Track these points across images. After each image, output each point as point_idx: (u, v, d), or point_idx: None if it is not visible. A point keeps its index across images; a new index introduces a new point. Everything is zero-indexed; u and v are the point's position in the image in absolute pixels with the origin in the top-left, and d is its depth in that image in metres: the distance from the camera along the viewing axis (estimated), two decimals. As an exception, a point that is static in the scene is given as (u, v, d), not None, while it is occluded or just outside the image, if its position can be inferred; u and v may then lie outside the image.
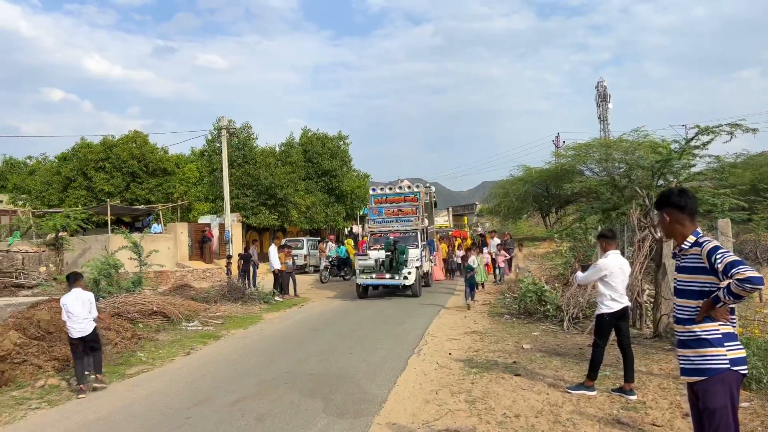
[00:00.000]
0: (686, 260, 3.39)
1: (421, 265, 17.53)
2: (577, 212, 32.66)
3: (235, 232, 28.84)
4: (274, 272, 18.09)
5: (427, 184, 21.85)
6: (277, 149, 36.47)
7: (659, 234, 9.55)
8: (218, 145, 29.54)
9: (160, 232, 27.18)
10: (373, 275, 16.94)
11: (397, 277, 16.57)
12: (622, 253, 12.95)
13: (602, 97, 52.92)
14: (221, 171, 27.07)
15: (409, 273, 16.66)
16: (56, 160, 34.57)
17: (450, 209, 61.75)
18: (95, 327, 7.71)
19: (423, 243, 18.35)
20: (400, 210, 19.03)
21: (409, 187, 19.37)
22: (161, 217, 29.49)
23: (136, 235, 17.06)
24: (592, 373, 6.53)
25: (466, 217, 54.99)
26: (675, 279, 3.52)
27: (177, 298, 14.34)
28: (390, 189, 19.64)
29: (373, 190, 20.20)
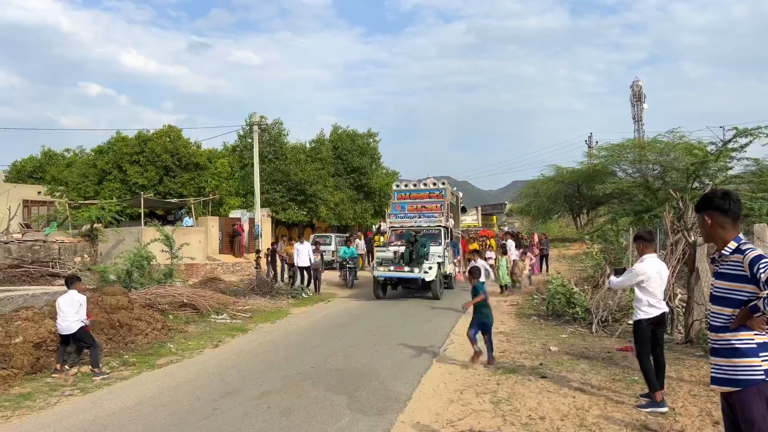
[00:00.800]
0: (726, 267, 3.28)
1: (443, 263, 16.64)
2: (608, 214, 32.22)
3: (265, 227, 29.16)
4: (300, 268, 17.72)
5: (454, 188, 20.82)
6: (308, 145, 36.74)
7: (693, 238, 9.35)
8: (250, 140, 29.88)
9: (192, 226, 27.61)
10: (391, 267, 16.01)
11: (416, 270, 15.54)
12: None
13: (637, 97, 51.94)
14: (252, 166, 27.39)
15: (430, 268, 15.60)
16: (93, 153, 35.37)
17: (479, 208, 61.44)
18: (82, 327, 8.02)
19: (447, 241, 17.48)
20: (424, 206, 18.08)
21: (434, 183, 18.46)
22: (193, 210, 29.94)
23: (168, 228, 17.38)
24: (652, 385, 6.05)
25: (495, 217, 54.63)
26: (712, 285, 3.39)
27: (207, 290, 14.56)
28: (414, 185, 18.78)
29: (396, 185, 19.38)
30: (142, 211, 26.76)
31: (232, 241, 28.84)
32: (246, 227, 29.55)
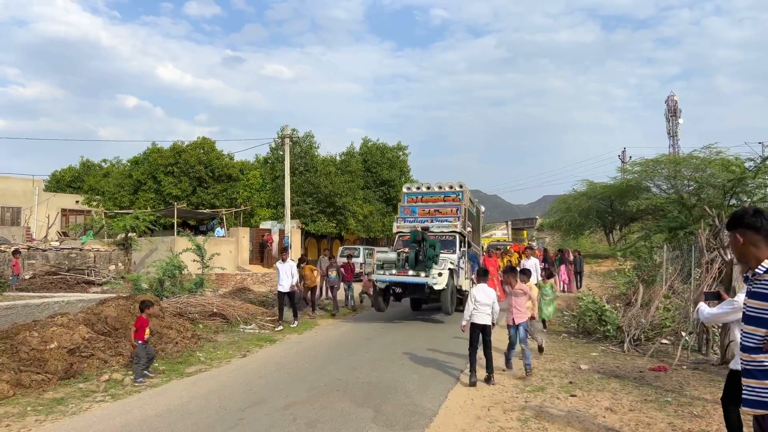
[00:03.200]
0: (759, 286, 3.17)
1: (456, 272, 14.25)
2: (642, 230, 31.58)
3: (295, 239, 29.40)
4: (281, 294, 13.52)
5: (476, 200, 18.72)
6: (338, 158, 37.06)
7: (729, 256, 9.12)
8: (281, 153, 30.23)
9: (223, 236, 28.00)
10: (393, 271, 13.63)
11: (423, 275, 13.16)
12: (688, 275, 12.48)
13: (672, 112, 51.06)
14: (283, 178, 27.68)
15: (440, 274, 13.14)
16: (128, 164, 36.25)
17: (509, 222, 60.96)
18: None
19: (463, 250, 15.20)
20: (438, 210, 15.71)
21: (451, 187, 16.01)
22: (224, 221, 30.38)
23: (199, 238, 17.64)
24: None
25: (525, 231, 54.10)
26: (745, 305, 3.29)
27: (236, 300, 14.71)
28: (428, 188, 16.36)
29: (408, 188, 16.93)
30: (175, 221, 27.27)
31: (262, 251, 29.16)
32: (276, 238, 29.84)
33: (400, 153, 38.33)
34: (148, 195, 31.91)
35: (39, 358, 8.00)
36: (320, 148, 36.30)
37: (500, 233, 56.59)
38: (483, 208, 19.96)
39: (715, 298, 4.75)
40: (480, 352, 8.09)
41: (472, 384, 7.77)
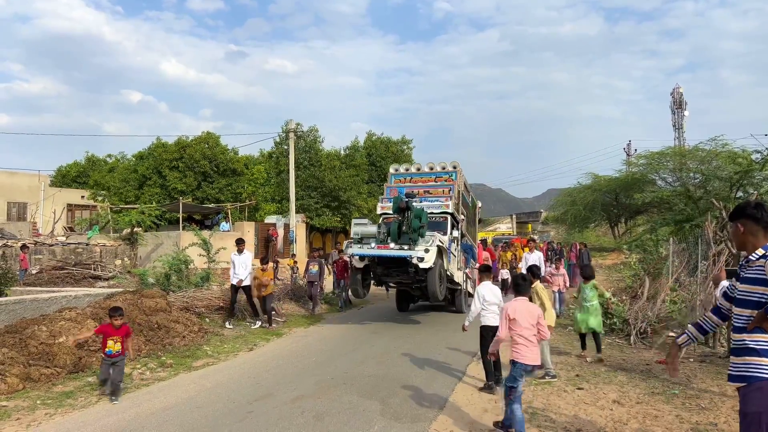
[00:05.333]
0: (750, 271, 3.35)
1: (446, 252, 12.48)
2: (647, 223, 31.52)
3: (299, 233, 29.42)
4: (234, 288, 12.33)
5: (471, 191, 17.28)
6: (342, 152, 37.01)
7: (736, 248, 9.09)
8: (286, 147, 30.22)
9: (228, 231, 28.04)
10: (373, 244, 11.84)
11: (406, 248, 11.33)
12: (695, 268, 12.46)
13: (678, 105, 50.80)
14: (288, 173, 27.68)
15: (426, 251, 11.30)
16: (134, 159, 36.30)
17: (513, 216, 60.87)
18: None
19: (455, 236, 13.48)
20: (428, 191, 14.10)
21: (443, 167, 14.49)
22: (230, 215, 30.42)
23: (205, 233, 17.66)
24: None
25: (530, 225, 54.04)
26: (737, 289, 3.45)
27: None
28: (418, 169, 14.89)
29: (395, 169, 15.30)
30: (180, 215, 27.32)
31: (266, 246, 29.20)
32: (280, 232, 29.88)
33: (405, 147, 38.21)
34: (153, 190, 31.95)
35: (48, 352, 8.05)
36: (324, 142, 36.29)
37: (505, 227, 56.53)
38: (480, 204, 18.44)
39: (733, 275, 4.20)
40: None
41: (489, 388, 7.24)
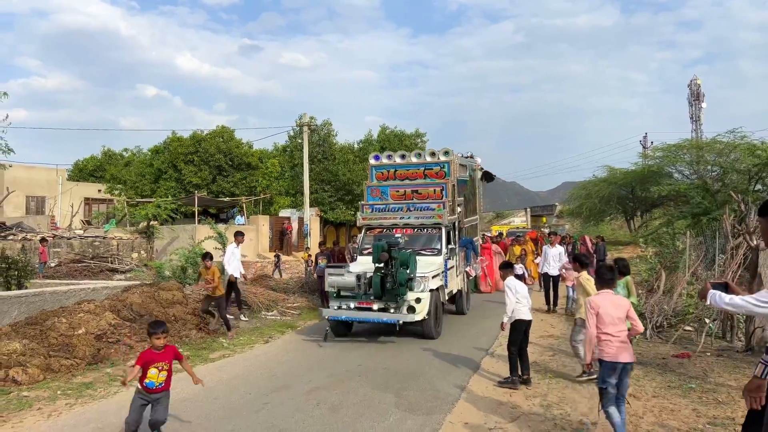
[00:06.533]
0: None
1: (443, 285, 10.84)
2: (664, 216, 31.22)
3: (313, 226, 29.55)
4: (230, 284, 11.99)
5: (468, 160, 14.53)
6: (356, 146, 37.06)
7: (755, 242, 8.99)
8: (300, 141, 30.33)
9: (244, 224, 28.23)
10: (352, 304, 10.00)
11: (393, 310, 9.69)
12: (712, 262, 12.34)
13: (695, 96, 50.17)
14: (302, 166, 27.79)
15: (418, 300, 9.70)
16: (149, 153, 36.63)
17: (528, 209, 60.60)
18: None
19: (450, 247, 11.51)
20: (416, 191, 11.96)
21: (433, 154, 12.48)
22: (244, 209, 30.62)
23: (220, 226, 17.79)
24: None
25: (545, 218, 53.79)
26: None
27: (257, 287, 14.84)
28: (403, 158, 12.64)
29: (376, 158, 12.90)
30: (195, 209, 27.54)
31: (281, 239, 29.38)
32: (295, 226, 30.03)
33: (419, 140, 38.19)
34: (168, 184, 32.23)
35: (67, 344, 8.18)
36: (338, 135, 36.37)
37: (519, 220, 56.35)
38: (479, 160, 15.38)
39: (722, 289, 3.95)
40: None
41: (512, 383, 7.04)
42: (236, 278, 12.25)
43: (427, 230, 11.54)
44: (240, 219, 29.57)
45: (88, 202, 37.52)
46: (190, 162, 32.14)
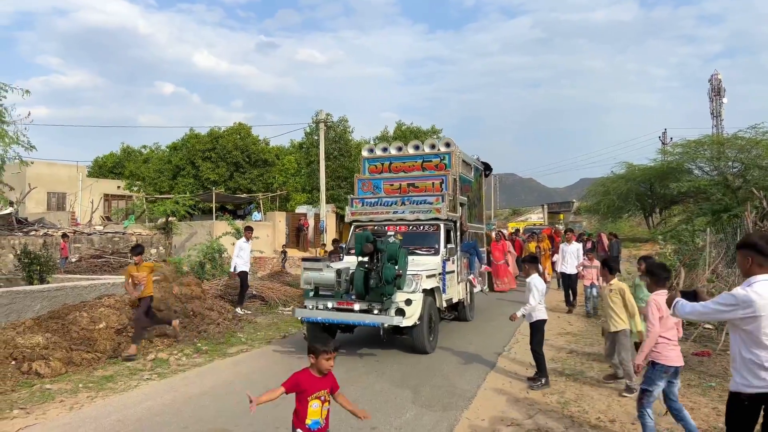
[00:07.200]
0: None
1: (440, 287, 9.43)
2: (683, 213, 30.88)
3: (329, 223, 29.66)
4: (244, 274, 12.22)
5: (474, 156, 13.19)
6: (372, 142, 37.12)
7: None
8: (316, 137, 30.42)
9: (260, 220, 28.41)
10: (330, 304, 8.55)
11: (377, 311, 8.24)
12: (733, 260, 12.15)
13: (716, 92, 49.44)
14: (318, 163, 27.87)
15: (408, 302, 8.22)
16: (167, 150, 36.96)
17: (545, 206, 60.25)
18: None
19: (449, 247, 10.05)
20: (412, 184, 10.83)
21: (433, 146, 11.29)
22: (261, 205, 30.82)
23: (238, 222, 17.92)
24: None
25: (562, 215, 53.45)
26: None
27: (274, 283, 14.95)
28: (399, 149, 11.46)
29: (369, 150, 11.82)
30: (213, 205, 27.77)
31: (298, 235, 29.52)
32: (311, 222, 30.15)
33: (435, 137, 38.17)
34: (186, 180, 32.52)
35: (89, 338, 8.31)
36: (354, 132, 36.42)
37: (536, 217, 56.05)
38: (476, 156, 13.43)
39: (691, 299, 3.76)
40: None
41: (539, 380, 6.96)
42: (245, 272, 12.30)
43: (424, 227, 10.16)
44: (257, 215, 29.76)
45: (107, 198, 37.99)
46: (207, 159, 32.39)
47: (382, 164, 11.40)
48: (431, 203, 10.08)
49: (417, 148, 11.34)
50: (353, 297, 8.41)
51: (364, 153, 11.80)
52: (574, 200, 61.29)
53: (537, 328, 7.13)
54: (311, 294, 8.75)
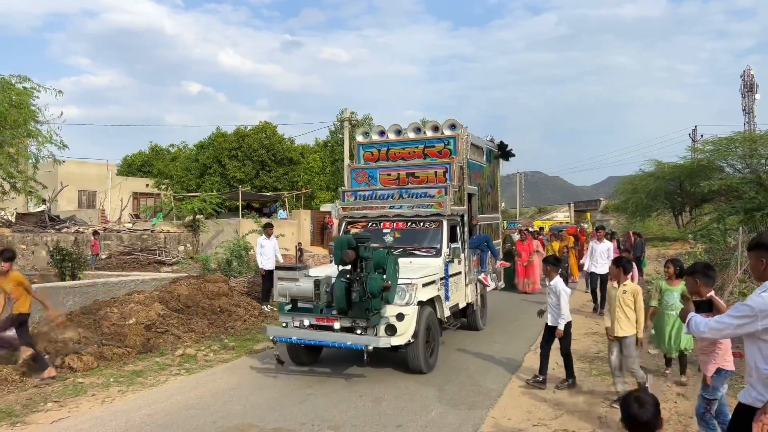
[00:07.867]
0: None
1: (441, 295, 8.12)
2: (714, 212, 30.23)
3: (354, 221, 29.72)
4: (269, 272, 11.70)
5: (489, 137, 11.99)
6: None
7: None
8: (340, 136, 30.51)
9: (286, 218, 28.62)
10: (307, 321, 7.31)
11: (360, 330, 7.00)
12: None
13: (748, 88, 48.31)
14: (343, 161, 27.95)
15: (400, 317, 7.03)
16: (194, 148, 37.46)
17: (571, 204, 59.54)
18: None
19: (454, 246, 8.68)
20: (412, 174, 9.44)
21: (436, 128, 9.82)
22: (286, 203, 31.03)
23: (263, 220, 18.07)
24: None
25: (589, 213, 52.76)
26: None
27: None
28: (399, 134, 10.01)
29: (365, 135, 10.48)
30: (239, 203, 28.05)
31: (322, 233, 29.66)
32: (335, 221, 30.28)
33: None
34: (213, 178, 32.93)
35: (119, 333, 8.48)
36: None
37: (562, 215, 55.42)
38: (490, 136, 12.07)
39: (707, 309, 3.53)
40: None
41: (572, 385, 6.85)
42: (269, 270, 11.83)
43: (424, 223, 8.91)
44: (282, 213, 29.98)
45: (136, 196, 38.63)
46: (234, 157, 32.74)
47: (379, 151, 10.02)
48: (433, 196, 8.81)
49: (418, 131, 9.90)
50: (331, 312, 7.13)
51: (359, 138, 10.48)
52: (602, 198, 60.48)
53: (566, 331, 6.92)
54: (287, 308, 7.51)
